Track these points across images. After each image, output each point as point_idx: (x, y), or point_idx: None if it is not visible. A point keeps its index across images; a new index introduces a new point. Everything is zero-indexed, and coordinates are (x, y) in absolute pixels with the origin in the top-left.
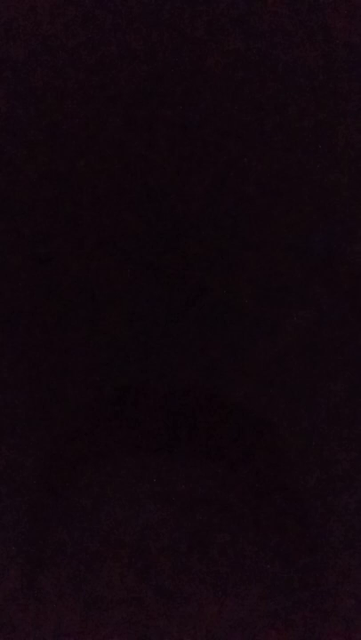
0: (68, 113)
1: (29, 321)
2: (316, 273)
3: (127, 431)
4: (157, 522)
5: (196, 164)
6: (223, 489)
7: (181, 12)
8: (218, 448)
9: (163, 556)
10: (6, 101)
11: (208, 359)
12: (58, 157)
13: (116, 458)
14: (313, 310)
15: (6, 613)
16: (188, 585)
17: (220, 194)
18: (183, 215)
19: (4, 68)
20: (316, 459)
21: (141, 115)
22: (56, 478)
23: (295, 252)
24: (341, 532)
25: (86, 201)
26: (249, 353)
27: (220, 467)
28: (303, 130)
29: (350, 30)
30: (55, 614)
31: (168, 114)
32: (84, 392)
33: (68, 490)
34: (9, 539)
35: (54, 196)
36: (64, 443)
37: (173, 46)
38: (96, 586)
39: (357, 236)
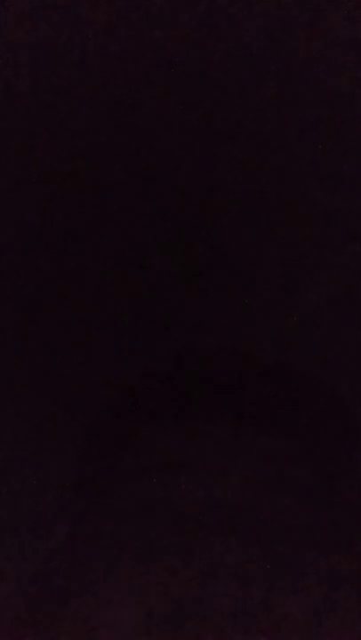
0: (67, 112)
1: (33, 301)
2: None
3: (145, 421)
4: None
5: (196, 163)
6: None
7: (181, 11)
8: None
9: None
10: (5, 101)
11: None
12: (57, 157)
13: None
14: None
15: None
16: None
17: (219, 192)
18: (184, 214)
19: (2, 68)
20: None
21: (141, 114)
22: (58, 476)
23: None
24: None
25: (84, 202)
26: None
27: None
28: (304, 129)
29: (351, 30)
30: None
31: (168, 113)
32: (95, 378)
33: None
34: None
35: (54, 195)
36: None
37: (174, 46)
38: (101, 586)
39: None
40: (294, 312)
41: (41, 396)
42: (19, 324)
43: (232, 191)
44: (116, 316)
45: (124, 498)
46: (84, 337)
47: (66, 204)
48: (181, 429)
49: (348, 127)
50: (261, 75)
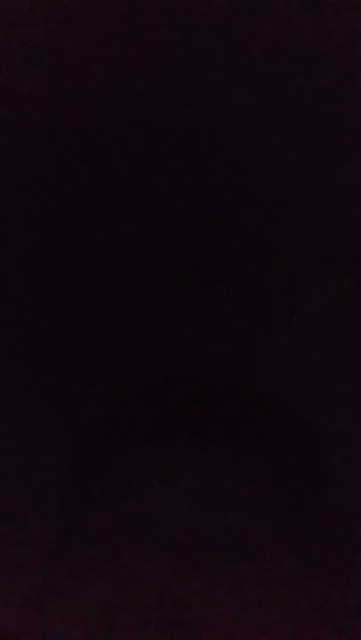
0: (67, 113)
1: (33, 309)
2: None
3: (145, 424)
4: (162, 516)
5: (197, 163)
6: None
7: (182, 12)
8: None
9: (164, 553)
10: (5, 102)
11: (226, 349)
12: (58, 158)
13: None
14: (333, 291)
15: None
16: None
17: (221, 191)
18: (186, 212)
19: (2, 68)
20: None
21: (141, 115)
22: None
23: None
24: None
25: (84, 202)
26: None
27: (230, 459)
28: (304, 128)
29: (350, 30)
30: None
31: (169, 113)
32: (102, 384)
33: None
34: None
35: (56, 196)
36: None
37: (174, 46)
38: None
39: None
40: (294, 324)
41: (38, 404)
42: (17, 335)
43: (233, 204)
44: (114, 334)
45: (103, 517)
46: (81, 354)
47: (66, 220)
48: (172, 450)
49: (347, 124)
50: (261, 75)
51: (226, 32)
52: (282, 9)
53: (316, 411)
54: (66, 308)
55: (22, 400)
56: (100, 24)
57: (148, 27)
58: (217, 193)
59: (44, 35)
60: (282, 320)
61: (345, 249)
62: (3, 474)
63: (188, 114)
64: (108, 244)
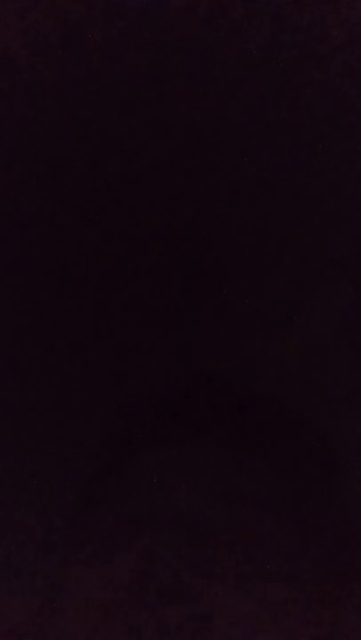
0: (67, 113)
1: (33, 308)
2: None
3: (145, 424)
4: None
5: (197, 163)
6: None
7: (182, 13)
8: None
9: (165, 552)
10: (5, 102)
11: (226, 351)
12: (57, 158)
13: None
14: (333, 292)
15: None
16: (190, 579)
17: (221, 191)
18: (186, 213)
19: (2, 68)
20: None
21: (141, 115)
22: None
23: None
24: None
25: (84, 202)
26: (267, 344)
27: (233, 457)
28: (303, 129)
29: (350, 31)
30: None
31: (169, 114)
32: (104, 388)
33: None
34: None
35: (55, 196)
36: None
37: (174, 47)
38: (99, 582)
39: None
40: (294, 324)
41: (37, 405)
42: (17, 336)
43: (233, 204)
44: (113, 334)
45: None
46: (80, 355)
47: (65, 220)
48: (172, 450)
49: (347, 125)
50: (261, 76)
51: (226, 32)
52: (282, 9)
53: (316, 411)
54: (65, 308)
55: (22, 401)
56: (100, 24)
57: (149, 27)
58: (217, 193)
59: (44, 35)
60: (282, 320)
61: (345, 251)
62: (3, 474)
63: (189, 114)
64: (107, 245)
